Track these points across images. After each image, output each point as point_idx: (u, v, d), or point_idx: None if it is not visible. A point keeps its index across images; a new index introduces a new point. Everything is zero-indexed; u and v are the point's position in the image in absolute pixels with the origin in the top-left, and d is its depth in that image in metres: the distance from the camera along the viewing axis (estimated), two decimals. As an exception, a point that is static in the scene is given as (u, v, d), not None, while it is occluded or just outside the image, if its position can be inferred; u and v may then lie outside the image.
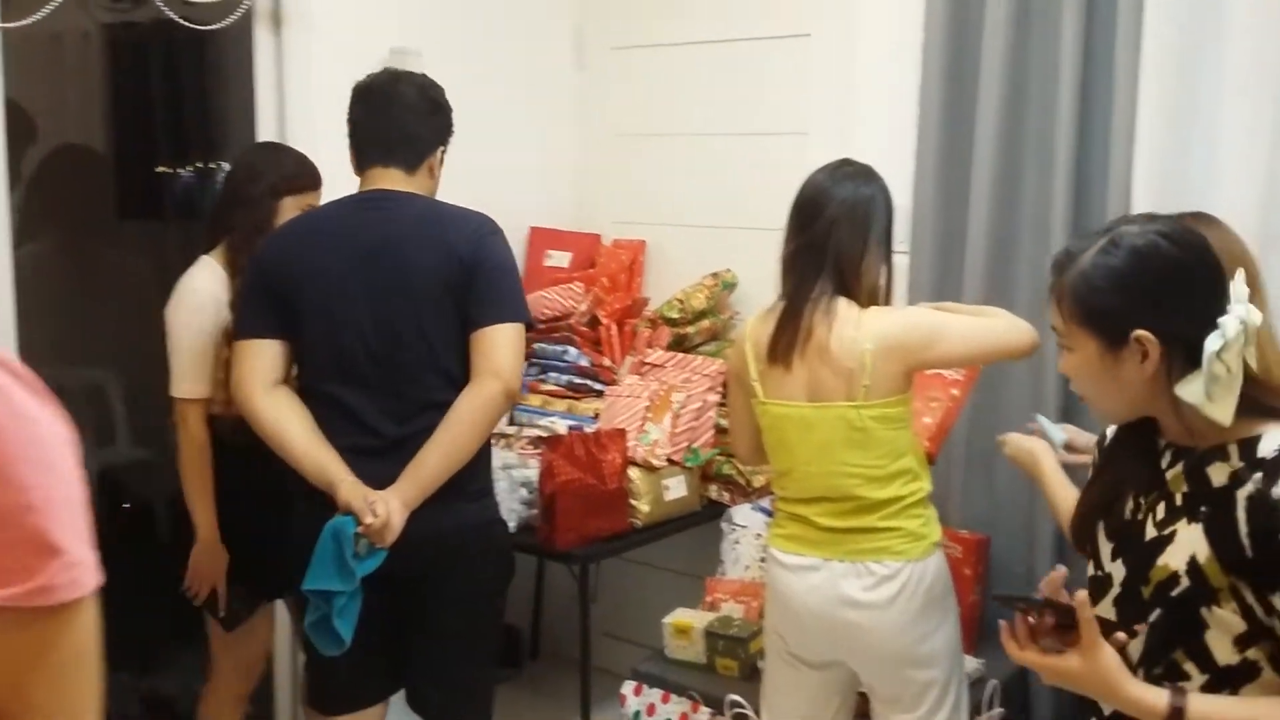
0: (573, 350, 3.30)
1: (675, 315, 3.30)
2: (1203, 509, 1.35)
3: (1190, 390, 1.32)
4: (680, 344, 3.32)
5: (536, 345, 3.35)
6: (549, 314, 3.33)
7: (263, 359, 2.23)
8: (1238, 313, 1.31)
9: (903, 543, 2.15)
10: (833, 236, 2.17)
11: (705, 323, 3.34)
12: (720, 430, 3.08)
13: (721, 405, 3.07)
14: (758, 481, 3.07)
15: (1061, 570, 1.42)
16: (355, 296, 2.20)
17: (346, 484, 2.15)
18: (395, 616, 2.28)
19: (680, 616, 2.85)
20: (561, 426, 3.12)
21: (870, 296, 2.20)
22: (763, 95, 3.34)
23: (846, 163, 2.27)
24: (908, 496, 2.17)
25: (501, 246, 2.26)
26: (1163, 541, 1.38)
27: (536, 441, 3.10)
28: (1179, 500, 1.39)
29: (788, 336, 2.18)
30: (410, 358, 2.20)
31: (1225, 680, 1.35)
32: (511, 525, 2.87)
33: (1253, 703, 1.33)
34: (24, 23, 2.38)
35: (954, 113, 2.91)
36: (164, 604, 2.91)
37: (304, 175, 2.60)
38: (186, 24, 2.65)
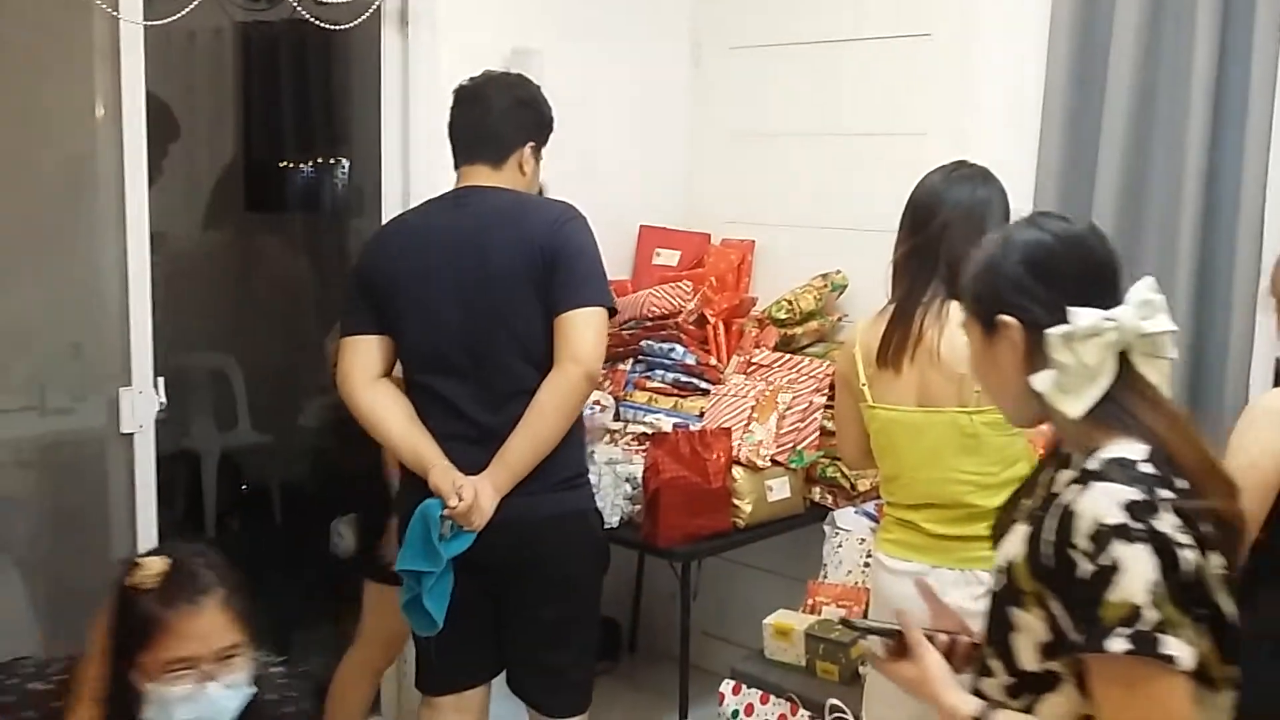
0: (679, 348, 3.31)
1: (783, 316, 3.29)
2: (1037, 512, 1.34)
3: (1041, 379, 1.32)
4: (787, 345, 3.30)
5: (643, 342, 3.37)
6: (656, 312, 3.35)
7: (364, 354, 2.32)
8: (1120, 313, 1.29)
9: (1015, 552, 2.11)
10: (946, 239, 2.14)
11: (813, 324, 3.32)
12: (825, 432, 3.06)
13: (827, 407, 3.04)
14: (862, 485, 3.04)
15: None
16: (445, 290, 2.26)
17: (438, 468, 2.22)
18: (492, 601, 2.34)
19: (781, 618, 2.84)
20: (667, 424, 3.14)
21: (986, 301, 2.16)
22: (880, 95, 3.30)
23: (962, 164, 2.23)
24: (1021, 505, 2.13)
25: (581, 232, 2.29)
26: (1004, 539, 1.40)
27: (641, 438, 3.12)
28: (1035, 503, 1.39)
29: (898, 340, 2.15)
30: (498, 347, 2.26)
31: (1027, 686, 1.33)
32: (614, 520, 2.90)
33: None
34: (167, 21, 2.49)
35: (1079, 117, 2.84)
36: (286, 581, 3.00)
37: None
38: (319, 24, 2.73)
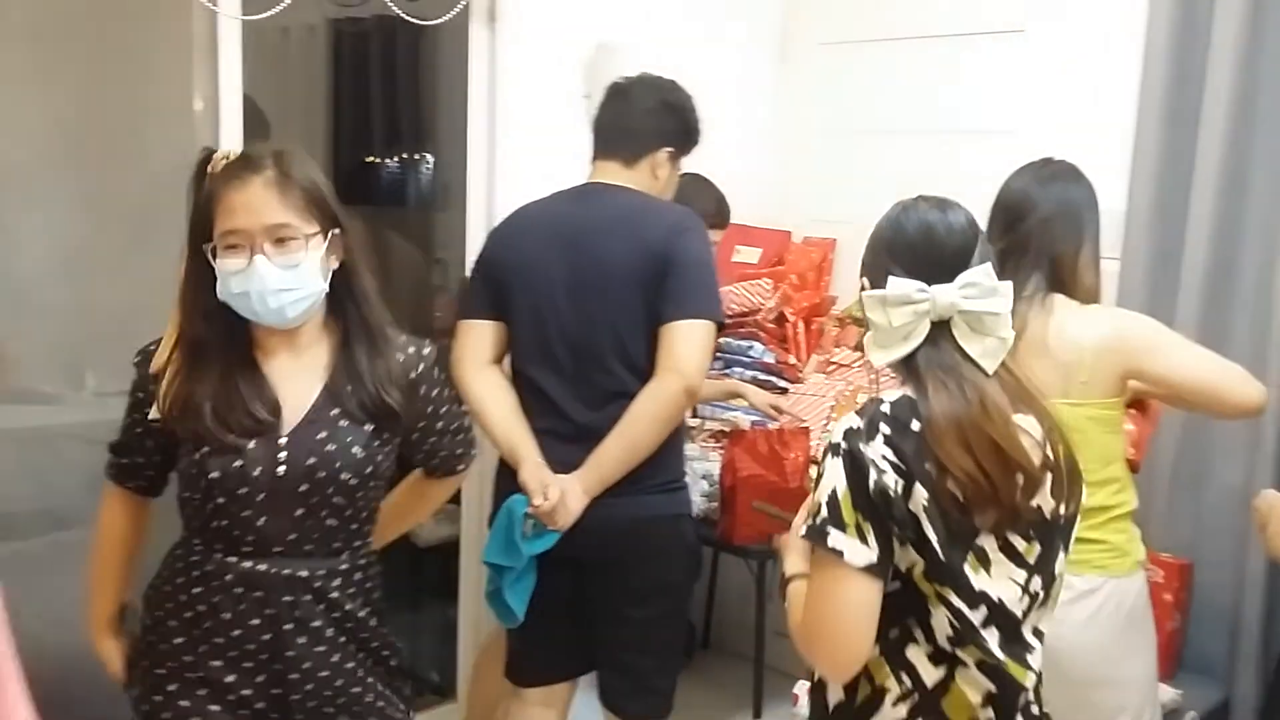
0: (758, 346, 3.30)
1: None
2: None
3: (868, 334, 1.50)
4: (869, 345, 3.27)
5: (722, 340, 3.35)
6: (736, 309, 3.34)
7: (477, 339, 2.34)
8: (937, 289, 1.43)
9: (1106, 556, 2.06)
10: (1045, 236, 2.10)
11: (895, 324, 3.28)
12: (907, 434, 3.02)
13: (909, 409, 3.01)
14: (944, 488, 2.99)
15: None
16: (557, 284, 2.27)
17: (529, 464, 2.22)
18: (583, 601, 2.34)
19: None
20: (745, 421, 3.12)
21: (1087, 299, 2.12)
22: (970, 92, 3.26)
23: (1049, 162, 2.20)
24: (1115, 508, 2.08)
25: (697, 242, 2.28)
26: None
27: (719, 435, 3.11)
28: None
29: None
30: (602, 347, 2.25)
31: None
32: (691, 516, 2.90)
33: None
34: (263, 15, 2.54)
35: (1177, 117, 2.76)
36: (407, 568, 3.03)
37: (719, 214, 2.83)
38: (410, 20, 2.76)
